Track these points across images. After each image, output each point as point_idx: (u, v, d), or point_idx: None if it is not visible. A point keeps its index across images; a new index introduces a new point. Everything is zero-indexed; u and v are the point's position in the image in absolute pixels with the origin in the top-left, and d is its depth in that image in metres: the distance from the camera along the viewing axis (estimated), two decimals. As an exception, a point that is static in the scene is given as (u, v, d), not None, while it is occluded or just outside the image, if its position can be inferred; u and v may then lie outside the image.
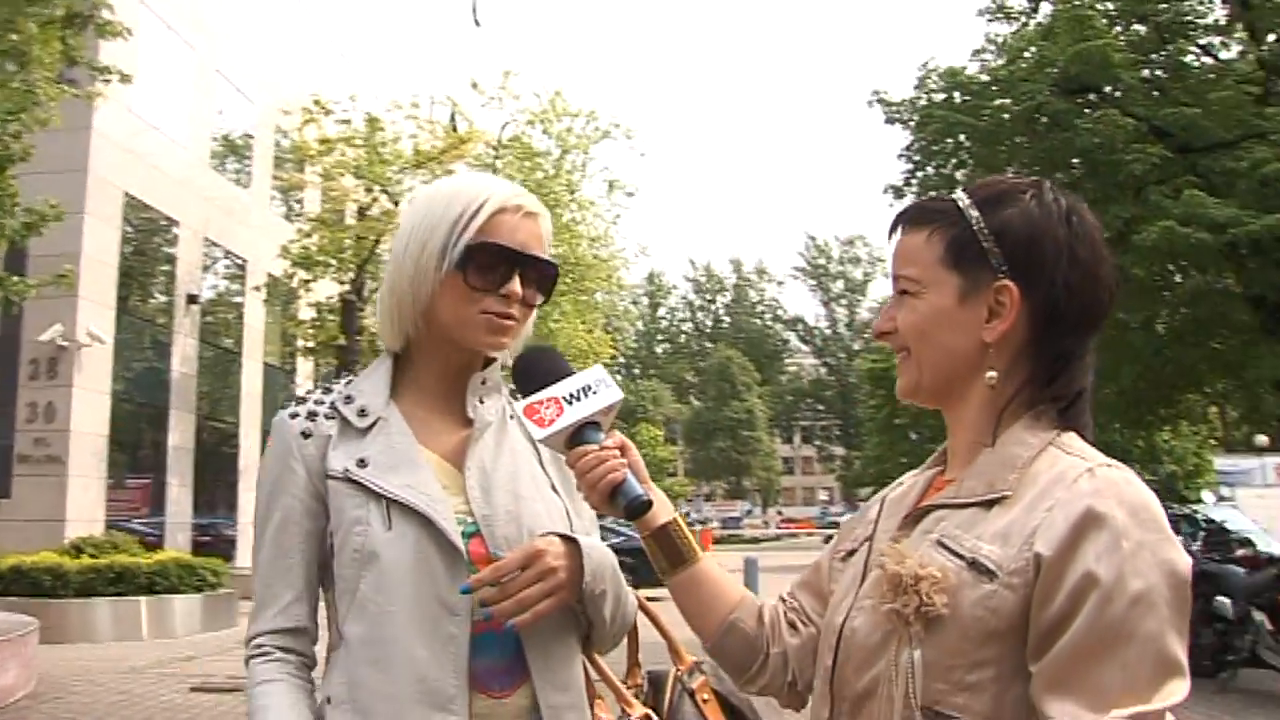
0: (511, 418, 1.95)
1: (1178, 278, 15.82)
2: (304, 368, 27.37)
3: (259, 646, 1.80)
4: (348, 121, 24.32)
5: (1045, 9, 17.68)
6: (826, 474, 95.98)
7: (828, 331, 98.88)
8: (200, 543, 21.97)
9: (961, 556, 1.38)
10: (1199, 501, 14.34)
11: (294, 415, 1.86)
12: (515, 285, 1.83)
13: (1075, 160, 15.22)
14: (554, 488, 1.92)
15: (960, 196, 1.54)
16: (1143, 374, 15.68)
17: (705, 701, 1.92)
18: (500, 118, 30.12)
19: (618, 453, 1.71)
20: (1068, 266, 1.46)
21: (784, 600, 1.76)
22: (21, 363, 19.74)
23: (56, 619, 13.09)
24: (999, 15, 19.07)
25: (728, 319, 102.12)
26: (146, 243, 23.38)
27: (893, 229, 1.59)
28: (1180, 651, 1.29)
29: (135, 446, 22.48)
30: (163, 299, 23.65)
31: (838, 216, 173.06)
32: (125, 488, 21.61)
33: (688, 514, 60.54)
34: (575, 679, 1.84)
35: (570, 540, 1.78)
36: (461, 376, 1.91)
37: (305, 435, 1.83)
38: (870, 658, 1.43)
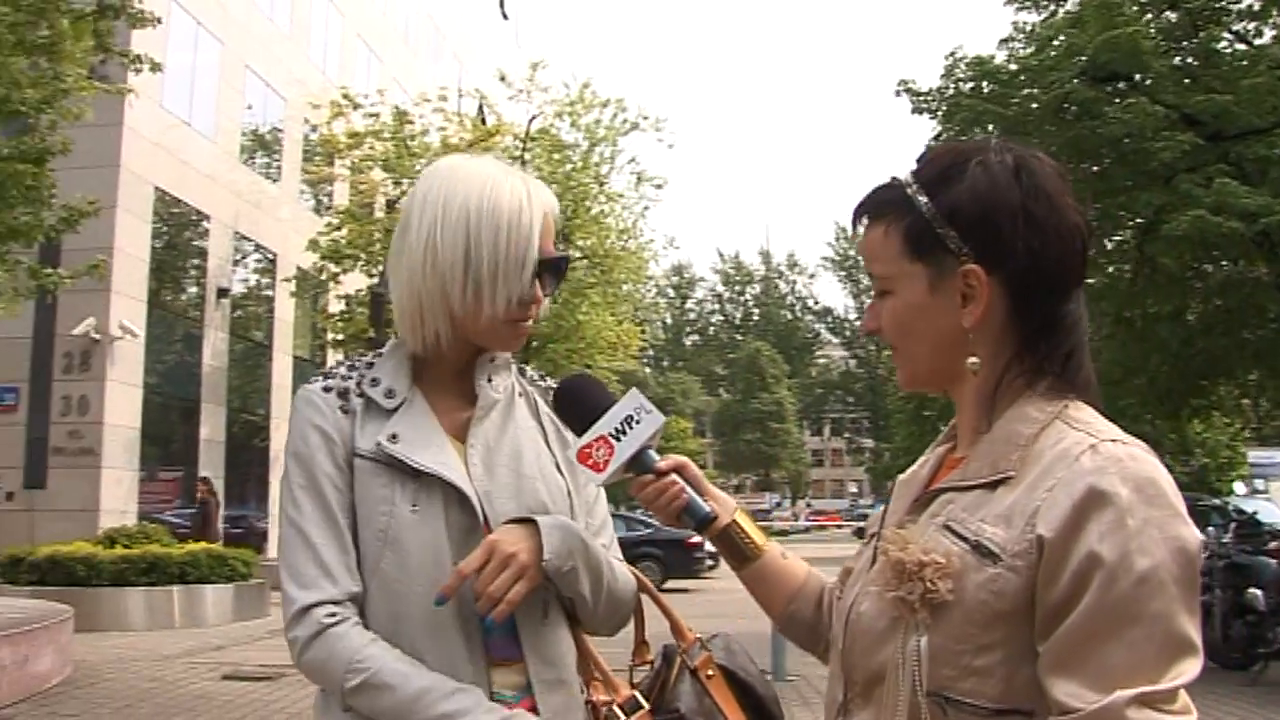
0: (520, 395, 1.99)
1: (1208, 267, 15.66)
2: (333, 360, 27.48)
3: (334, 614, 1.76)
4: (376, 115, 24.42)
5: (1074, -3, 17.57)
6: (855, 466, 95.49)
7: (857, 323, 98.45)
8: (231, 534, 22.11)
9: (966, 539, 1.36)
10: (1231, 493, 14.24)
11: (327, 389, 1.87)
12: (538, 291, 1.87)
13: (1104, 149, 15.03)
14: (558, 466, 1.95)
15: (907, 180, 1.49)
16: (1173, 365, 15.55)
17: (710, 677, 1.90)
18: (528, 110, 30.12)
19: (675, 478, 1.77)
20: (1027, 231, 1.41)
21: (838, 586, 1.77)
22: (56, 356, 19.99)
23: (90, 607, 13.23)
24: (1026, 4, 18.95)
25: (757, 311, 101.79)
26: (177, 237, 23.59)
27: (855, 225, 1.56)
28: (1191, 630, 1.27)
29: (167, 439, 22.69)
30: (193, 292, 23.87)
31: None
32: (157, 480, 21.80)
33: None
34: (562, 655, 1.88)
35: (528, 522, 1.80)
36: (472, 361, 1.94)
37: (342, 410, 1.85)
38: (877, 644, 1.42)
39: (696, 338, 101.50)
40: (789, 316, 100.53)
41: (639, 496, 1.78)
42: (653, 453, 1.79)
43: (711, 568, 26.94)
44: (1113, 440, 1.35)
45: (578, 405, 1.84)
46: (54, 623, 10.04)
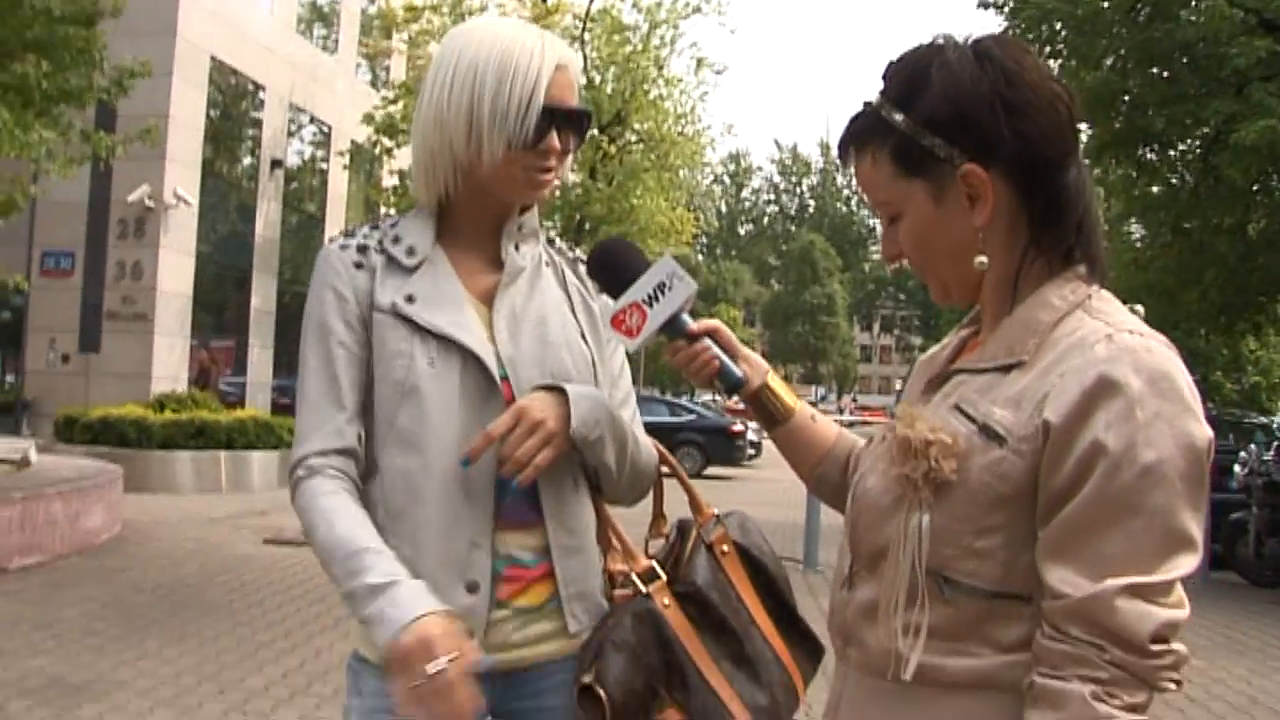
0: (547, 264, 2.00)
1: (1275, 181, 15.23)
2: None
3: (309, 467, 1.81)
4: (434, -11, 24.15)
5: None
6: (904, 364, 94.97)
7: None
8: (280, 404, 22.50)
9: (974, 421, 1.37)
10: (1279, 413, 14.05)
11: (344, 247, 1.90)
12: (555, 142, 1.86)
13: (1175, 53, 14.55)
14: (583, 335, 1.97)
15: (878, 102, 1.48)
16: (1229, 279, 15.25)
17: (724, 553, 1.92)
18: (589, -11, 29.54)
19: (708, 342, 1.79)
20: (1007, 116, 1.41)
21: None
22: (111, 222, 20.22)
23: (140, 469, 13.63)
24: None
25: (812, 203, 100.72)
26: (233, 107, 23.59)
27: (844, 162, 1.55)
28: (1192, 526, 1.28)
29: (218, 308, 22.98)
30: (247, 163, 23.95)
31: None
32: (208, 348, 22.13)
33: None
34: (582, 523, 1.92)
35: (557, 390, 1.82)
36: (498, 222, 1.94)
37: (358, 266, 1.87)
38: (881, 519, 1.44)
39: (750, 227, 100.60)
40: (845, 210, 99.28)
41: (672, 361, 1.82)
42: (686, 317, 1.80)
43: (753, 457, 27.14)
44: (1130, 331, 1.35)
45: (612, 269, 1.85)
46: (105, 481, 10.37)
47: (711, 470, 23.09)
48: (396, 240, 1.90)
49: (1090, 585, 1.26)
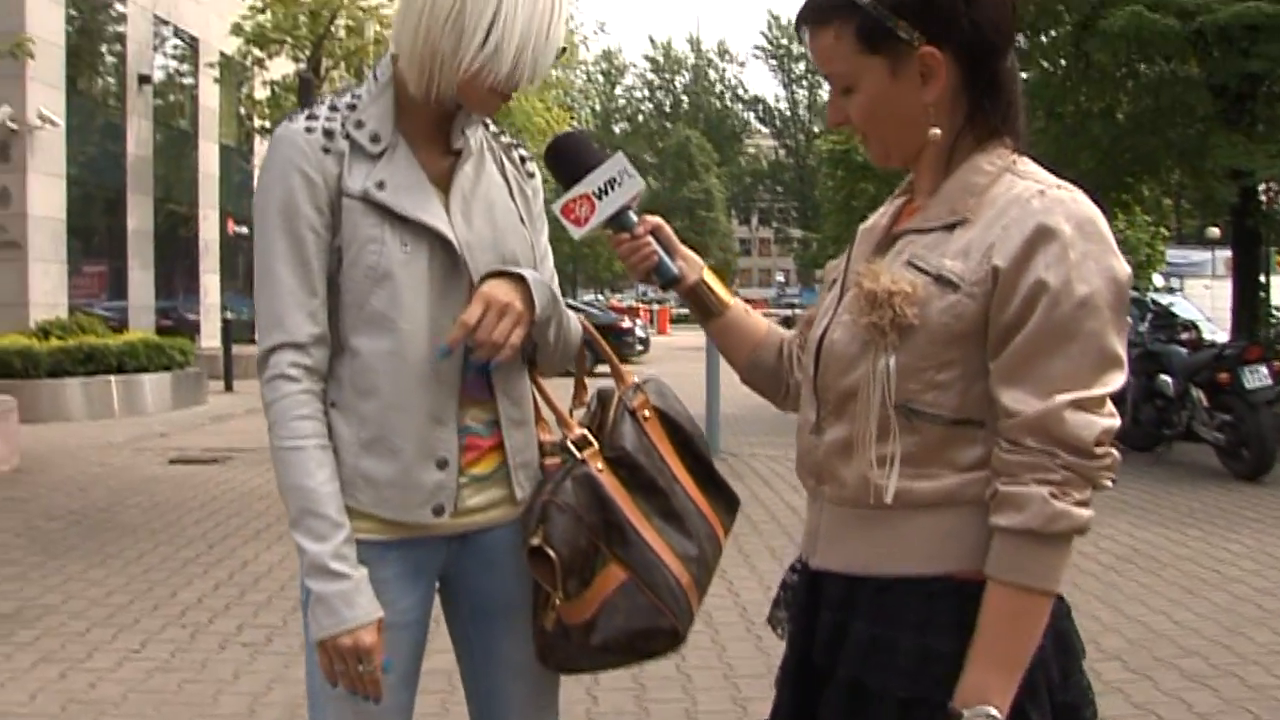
0: (488, 149, 2.09)
1: (1141, 65, 15.66)
2: (261, 148, 26.84)
3: (282, 363, 1.88)
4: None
5: None
6: (784, 255, 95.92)
7: (788, 113, 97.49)
8: (163, 326, 21.95)
9: (928, 273, 1.56)
10: (1150, 286, 14.62)
11: (309, 130, 1.89)
12: None
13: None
14: (521, 219, 2.08)
15: None
16: (1102, 162, 15.68)
17: (646, 418, 2.09)
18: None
19: (650, 239, 1.93)
20: (966, 6, 1.57)
21: (798, 337, 1.97)
22: (-27, 145, 19.31)
23: (30, 399, 13.29)
24: None
25: (687, 99, 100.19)
26: (93, 21, 22.53)
27: (799, 31, 1.68)
28: (1119, 348, 1.50)
29: (93, 231, 22.18)
30: (113, 80, 22.96)
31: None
32: (84, 273, 21.45)
33: (645, 293, 61.71)
34: (525, 398, 2.08)
35: (512, 275, 1.94)
36: (452, 111, 1.99)
37: (325, 151, 1.89)
38: (849, 366, 1.62)
39: (625, 125, 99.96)
40: (719, 105, 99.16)
41: (618, 252, 1.95)
42: (632, 214, 1.93)
43: (641, 352, 27.59)
44: (1057, 187, 1.56)
45: (570, 161, 1.95)
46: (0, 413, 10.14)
47: (602, 368, 23.25)
48: (359, 125, 1.93)
49: (1040, 402, 1.47)
